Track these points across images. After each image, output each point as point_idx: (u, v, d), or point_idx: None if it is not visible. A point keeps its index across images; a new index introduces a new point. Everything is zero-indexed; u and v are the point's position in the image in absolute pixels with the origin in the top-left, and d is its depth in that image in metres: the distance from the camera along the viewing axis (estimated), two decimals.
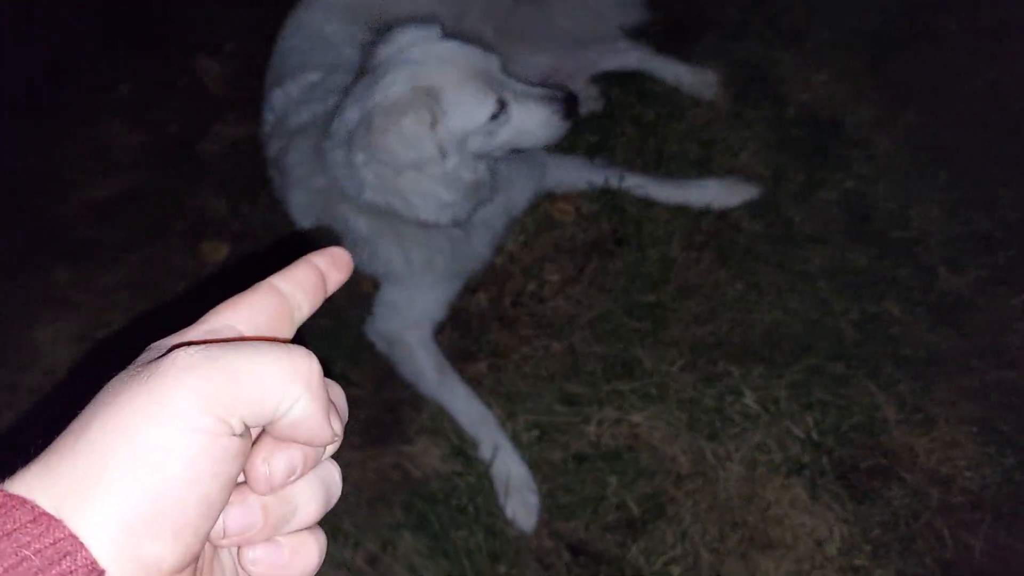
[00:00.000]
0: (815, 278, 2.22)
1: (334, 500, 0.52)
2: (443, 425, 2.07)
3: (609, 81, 2.61)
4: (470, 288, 2.26)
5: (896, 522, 1.90)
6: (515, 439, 2.02)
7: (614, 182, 2.34)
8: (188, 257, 2.49)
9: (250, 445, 0.47)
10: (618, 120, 2.53)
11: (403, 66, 1.77)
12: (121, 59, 3.01)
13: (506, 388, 2.12)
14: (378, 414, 2.14)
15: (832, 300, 2.18)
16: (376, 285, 2.24)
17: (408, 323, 2.15)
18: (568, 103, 1.89)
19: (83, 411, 0.45)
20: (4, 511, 0.38)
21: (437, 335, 2.19)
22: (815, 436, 2.00)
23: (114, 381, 0.46)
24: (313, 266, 0.55)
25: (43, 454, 0.43)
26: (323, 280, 0.55)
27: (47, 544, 0.37)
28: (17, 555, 0.36)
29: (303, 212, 2.12)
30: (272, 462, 0.48)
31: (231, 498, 0.46)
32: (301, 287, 0.54)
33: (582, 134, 2.49)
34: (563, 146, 2.44)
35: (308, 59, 2.27)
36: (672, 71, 2.58)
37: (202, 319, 0.51)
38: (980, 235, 2.27)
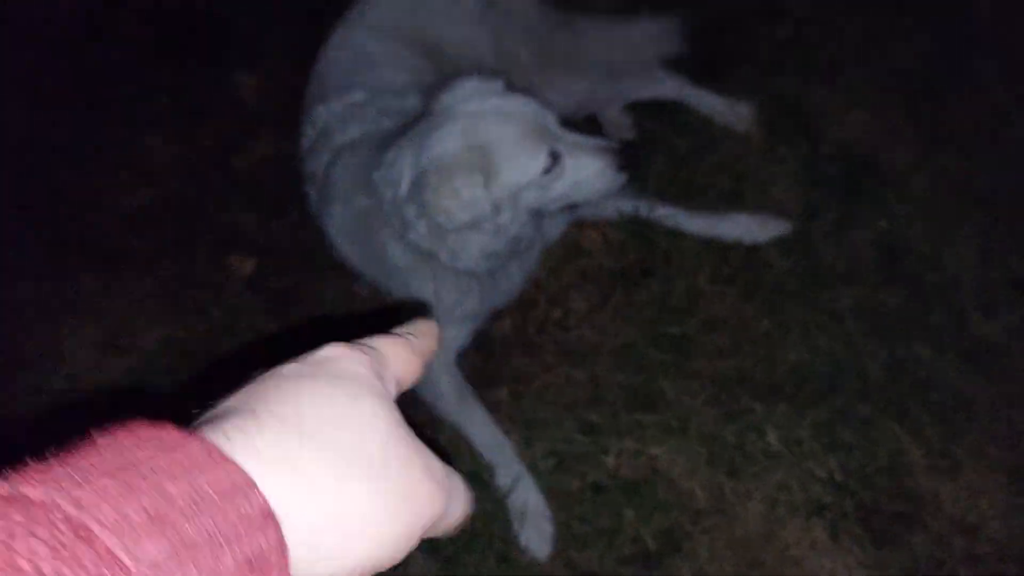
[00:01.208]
0: (844, 318, 2.19)
1: None
2: (460, 449, 2.06)
3: (643, 110, 2.60)
4: (495, 314, 2.26)
5: (918, 569, 1.86)
6: (532, 467, 2.00)
7: (643, 212, 2.33)
8: (215, 270, 2.50)
9: None
10: (651, 150, 2.52)
11: (459, 119, 1.76)
12: (161, 72, 3.05)
13: (526, 415, 2.11)
14: None
15: (860, 341, 2.15)
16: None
17: None
18: (624, 155, 1.88)
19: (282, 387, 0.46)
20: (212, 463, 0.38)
21: (460, 358, 2.18)
22: (838, 477, 1.96)
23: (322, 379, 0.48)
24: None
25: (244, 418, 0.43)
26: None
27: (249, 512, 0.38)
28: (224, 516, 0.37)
29: (341, 230, 2.12)
30: None
31: None
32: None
33: None
34: None
35: (352, 78, 2.28)
36: (707, 103, 2.57)
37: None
38: (1015, 281, 2.23)
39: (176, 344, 2.36)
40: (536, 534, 1.92)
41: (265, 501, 0.38)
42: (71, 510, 0.33)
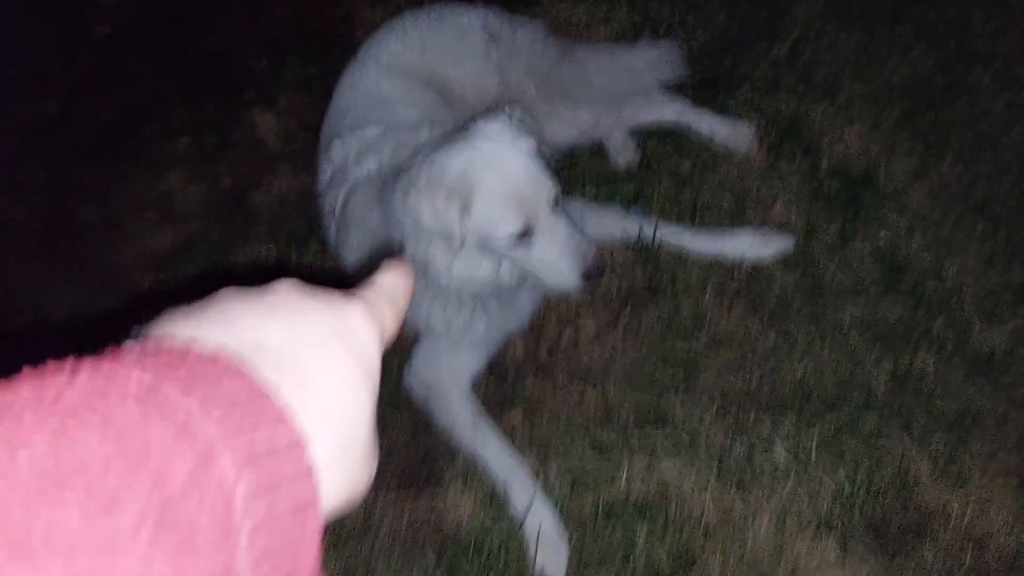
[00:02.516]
0: (848, 330, 2.22)
1: None
2: (476, 474, 2.12)
3: (646, 134, 2.66)
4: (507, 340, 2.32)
5: None
6: (547, 488, 2.05)
7: (649, 232, 2.38)
8: None
9: None
10: (654, 172, 2.58)
11: (474, 151, 1.84)
12: (181, 112, 3.15)
13: (540, 436, 2.16)
14: (414, 461, 2.19)
15: (865, 352, 2.19)
16: (417, 334, 2.31)
17: (447, 374, 2.21)
18: (592, 271, 1.89)
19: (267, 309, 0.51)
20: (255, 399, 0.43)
21: (474, 384, 2.24)
22: (846, 490, 2.00)
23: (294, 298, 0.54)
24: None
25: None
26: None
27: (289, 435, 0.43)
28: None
29: (358, 256, 2.20)
30: None
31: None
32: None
33: (620, 185, 2.55)
34: (600, 197, 2.52)
35: (366, 115, 2.37)
36: (707, 124, 2.62)
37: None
38: (1017, 287, 2.26)
39: None
40: (551, 556, 1.97)
41: (311, 460, 0.43)
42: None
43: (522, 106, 2.48)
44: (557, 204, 1.87)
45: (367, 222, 2.11)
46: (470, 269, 1.93)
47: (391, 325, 0.58)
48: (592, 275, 1.89)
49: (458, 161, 1.83)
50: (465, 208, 1.81)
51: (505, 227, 1.83)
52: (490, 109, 1.97)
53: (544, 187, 1.84)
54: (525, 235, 1.84)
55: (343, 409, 0.48)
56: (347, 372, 0.49)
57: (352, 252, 2.22)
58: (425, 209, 1.84)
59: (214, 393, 0.40)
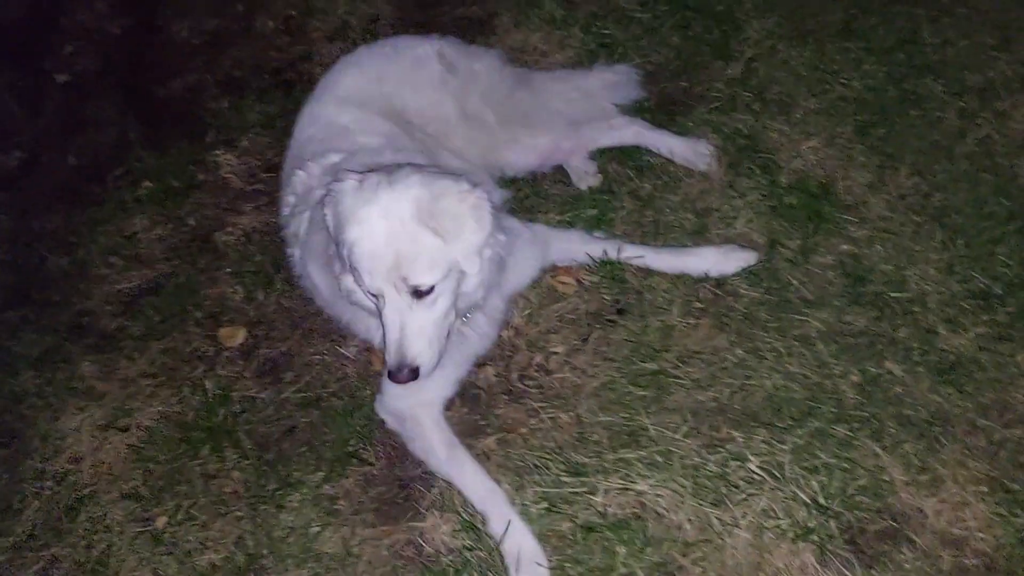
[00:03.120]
0: (814, 342, 2.24)
1: None
2: (453, 501, 2.10)
3: (607, 156, 2.68)
4: (478, 363, 2.31)
5: None
6: (524, 512, 2.04)
7: (613, 254, 2.40)
8: (207, 343, 2.57)
9: None
10: (616, 194, 2.60)
11: (379, 195, 1.85)
12: (144, 157, 3.15)
13: (515, 461, 2.16)
14: (391, 492, 2.18)
15: (832, 363, 2.20)
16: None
17: (419, 401, 2.19)
18: (395, 373, 1.90)
19: None
20: None
21: (447, 410, 2.23)
22: (821, 500, 2.00)
23: None
24: None
25: None
26: None
27: None
28: None
29: (320, 271, 2.20)
30: None
31: None
32: None
33: (582, 208, 2.57)
34: (563, 221, 2.53)
35: (328, 146, 2.38)
36: (666, 144, 2.66)
37: None
38: (978, 293, 2.29)
39: (174, 418, 2.42)
40: None
41: None
42: None
43: (482, 135, 2.51)
44: (424, 297, 1.87)
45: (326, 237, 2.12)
46: (355, 292, 1.96)
47: None
48: (394, 375, 1.91)
49: (363, 195, 1.87)
50: (339, 232, 1.88)
51: (361, 278, 1.88)
52: (472, 177, 1.98)
53: (400, 274, 1.84)
54: (378, 296, 1.89)
55: None
56: None
57: (317, 271, 2.22)
58: (328, 213, 1.92)
59: None
